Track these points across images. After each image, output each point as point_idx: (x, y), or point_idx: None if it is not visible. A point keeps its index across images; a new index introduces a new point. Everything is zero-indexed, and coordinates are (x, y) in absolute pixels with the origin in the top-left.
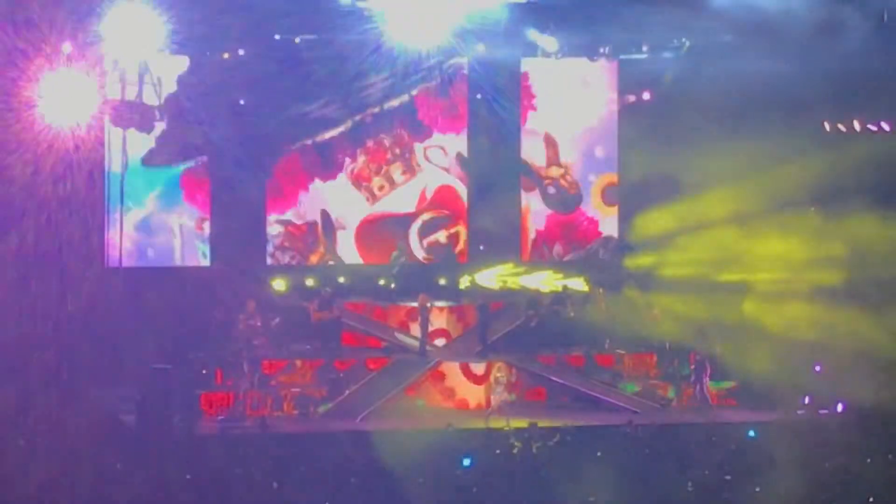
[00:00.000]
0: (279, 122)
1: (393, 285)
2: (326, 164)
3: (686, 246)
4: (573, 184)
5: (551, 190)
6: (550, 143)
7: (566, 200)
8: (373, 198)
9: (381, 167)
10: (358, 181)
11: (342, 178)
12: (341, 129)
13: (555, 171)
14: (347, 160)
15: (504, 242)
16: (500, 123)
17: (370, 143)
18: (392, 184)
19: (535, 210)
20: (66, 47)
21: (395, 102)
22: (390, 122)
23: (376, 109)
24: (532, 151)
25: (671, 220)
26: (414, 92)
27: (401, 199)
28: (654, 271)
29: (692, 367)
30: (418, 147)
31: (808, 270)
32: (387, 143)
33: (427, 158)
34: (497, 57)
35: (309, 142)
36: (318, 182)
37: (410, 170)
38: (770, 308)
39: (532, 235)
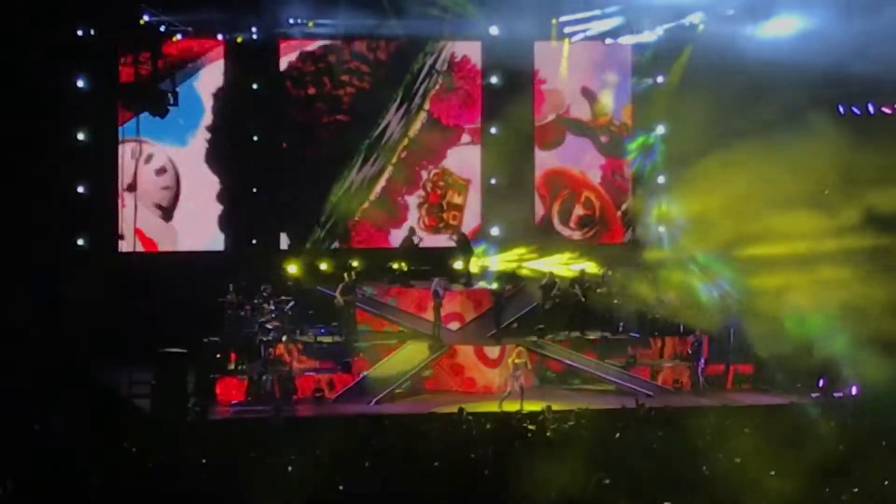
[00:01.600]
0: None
1: (406, 269)
2: (391, 213)
3: (698, 225)
4: (623, 126)
5: (603, 138)
6: (589, 94)
7: (619, 144)
8: (452, 228)
9: (441, 202)
10: (436, 226)
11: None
12: (387, 175)
13: (602, 119)
14: (408, 199)
15: (519, 224)
16: (513, 109)
17: (422, 185)
18: (458, 208)
19: (589, 160)
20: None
21: (417, 125)
22: (422, 144)
23: (406, 142)
24: (575, 106)
25: (686, 200)
26: (426, 105)
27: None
28: (667, 253)
29: (690, 348)
30: (453, 164)
31: (823, 251)
32: (430, 187)
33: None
34: (509, 40)
35: (366, 204)
36: (393, 232)
37: (463, 189)
38: (785, 290)
39: (598, 175)
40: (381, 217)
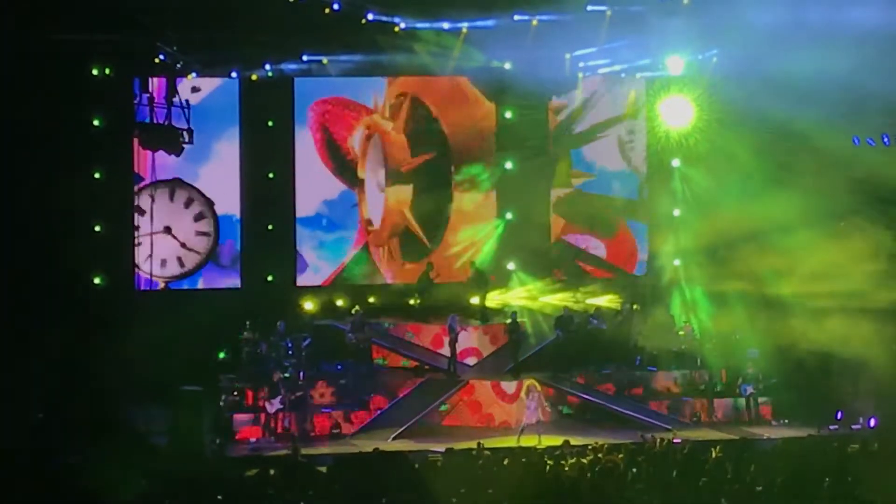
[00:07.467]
0: None
1: (421, 303)
2: None
3: (716, 259)
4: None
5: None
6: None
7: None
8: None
9: None
10: None
11: None
12: None
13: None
14: None
15: (535, 259)
16: (530, 141)
17: None
18: None
19: None
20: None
21: None
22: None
23: None
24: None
25: (703, 233)
26: None
27: None
28: (684, 286)
29: (745, 382)
30: None
31: (841, 284)
32: None
33: None
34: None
35: None
36: None
37: None
38: (801, 322)
39: None
40: None
